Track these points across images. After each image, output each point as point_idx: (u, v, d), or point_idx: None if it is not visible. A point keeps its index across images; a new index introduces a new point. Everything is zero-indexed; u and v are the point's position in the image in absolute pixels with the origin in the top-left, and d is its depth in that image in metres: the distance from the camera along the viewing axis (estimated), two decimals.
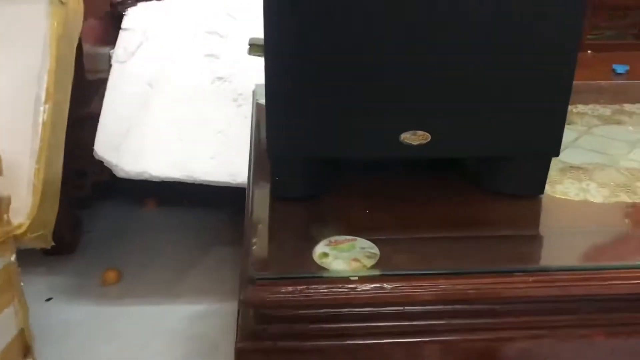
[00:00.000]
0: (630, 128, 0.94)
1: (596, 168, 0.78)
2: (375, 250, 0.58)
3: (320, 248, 0.58)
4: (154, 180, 1.32)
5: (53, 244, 1.16)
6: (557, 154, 0.66)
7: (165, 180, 1.32)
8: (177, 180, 1.32)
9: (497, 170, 0.69)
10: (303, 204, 0.68)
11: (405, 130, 0.65)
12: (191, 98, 1.40)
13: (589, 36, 2.13)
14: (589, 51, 2.10)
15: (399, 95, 0.63)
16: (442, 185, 0.72)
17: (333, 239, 0.60)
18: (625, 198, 0.69)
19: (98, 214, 1.80)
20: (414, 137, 0.65)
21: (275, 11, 0.59)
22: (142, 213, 1.83)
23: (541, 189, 0.69)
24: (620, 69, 1.80)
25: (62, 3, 1.11)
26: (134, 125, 1.37)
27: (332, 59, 0.61)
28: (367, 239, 0.60)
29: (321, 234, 0.61)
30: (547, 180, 0.72)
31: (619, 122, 0.96)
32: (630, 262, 0.58)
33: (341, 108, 0.63)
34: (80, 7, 1.29)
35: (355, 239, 0.60)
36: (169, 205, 1.84)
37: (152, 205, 1.85)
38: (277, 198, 0.68)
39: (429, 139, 0.65)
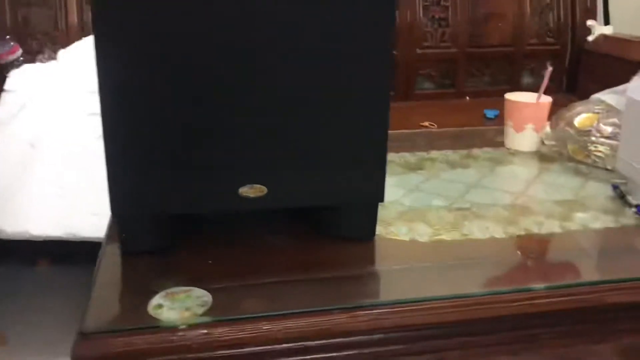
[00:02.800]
0: (472, 171, 1.03)
1: (431, 210, 0.86)
2: (208, 298, 0.62)
3: (155, 300, 0.62)
4: (36, 239, 1.32)
5: None
6: (381, 200, 0.73)
7: (47, 239, 1.32)
8: (60, 238, 1.32)
9: (332, 216, 0.75)
10: (150, 257, 0.71)
11: (243, 184, 0.70)
12: (75, 156, 1.42)
13: (466, 83, 2.30)
14: (467, 97, 2.26)
15: (234, 150, 0.68)
16: (286, 231, 0.78)
17: (170, 290, 0.64)
18: (445, 237, 0.77)
19: None
20: (251, 191, 0.71)
21: (103, 57, 0.64)
22: (34, 273, 1.79)
23: (372, 233, 0.75)
24: (490, 113, 1.95)
25: None
26: (16, 187, 1.37)
27: (164, 114, 0.66)
28: (205, 289, 0.64)
29: (161, 287, 0.64)
30: (385, 222, 0.79)
31: (465, 166, 1.06)
32: (451, 293, 0.65)
33: (179, 164, 0.68)
34: None
35: (191, 289, 0.64)
36: (64, 263, 1.81)
37: (45, 264, 1.81)
38: (125, 253, 0.72)
39: (265, 192, 0.71)
